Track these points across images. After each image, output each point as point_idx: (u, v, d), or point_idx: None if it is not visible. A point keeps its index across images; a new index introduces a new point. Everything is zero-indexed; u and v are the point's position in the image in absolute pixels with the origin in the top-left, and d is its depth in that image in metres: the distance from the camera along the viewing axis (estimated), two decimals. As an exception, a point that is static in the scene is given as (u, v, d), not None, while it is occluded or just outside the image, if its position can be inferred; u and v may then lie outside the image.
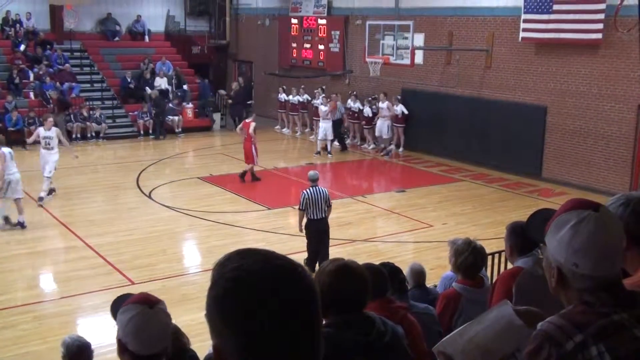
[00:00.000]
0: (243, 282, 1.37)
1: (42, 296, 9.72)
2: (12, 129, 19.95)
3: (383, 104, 19.39)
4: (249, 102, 24.37)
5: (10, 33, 23.71)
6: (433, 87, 19.11)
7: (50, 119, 14.36)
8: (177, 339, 5.62)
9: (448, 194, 15.36)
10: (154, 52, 25.34)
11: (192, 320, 7.89)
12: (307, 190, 9.87)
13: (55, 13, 24.53)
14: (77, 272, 10.33)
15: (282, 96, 23.23)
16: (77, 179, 16.13)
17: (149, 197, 14.79)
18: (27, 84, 22.05)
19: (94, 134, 21.31)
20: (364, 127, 20.65)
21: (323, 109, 19.75)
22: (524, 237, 4.42)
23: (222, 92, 25.11)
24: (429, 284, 6.25)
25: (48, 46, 23.65)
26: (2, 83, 21.71)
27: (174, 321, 5.90)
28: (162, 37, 27.07)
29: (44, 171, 13.90)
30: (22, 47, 23.13)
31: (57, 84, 22.18)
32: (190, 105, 23.62)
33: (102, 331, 7.53)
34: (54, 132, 14.09)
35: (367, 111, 20.21)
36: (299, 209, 9.99)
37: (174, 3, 27.43)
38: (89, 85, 23.44)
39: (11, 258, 10.86)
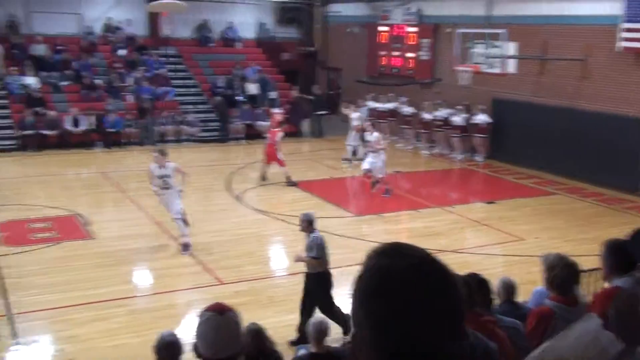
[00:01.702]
0: (391, 278, 1.36)
1: (135, 291, 10.12)
2: (110, 130, 20.89)
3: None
4: (322, 113, 24.35)
5: (111, 39, 24.84)
6: (525, 97, 18.66)
7: (156, 154, 11.68)
8: (261, 340, 5.75)
9: (540, 207, 14.95)
10: (245, 58, 25.92)
11: (278, 323, 8.05)
12: (318, 234, 8.23)
13: (153, 20, 25.50)
14: (169, 269, 10.70)
15: (371, 103, 23.26)
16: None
17: (239, 199, 15.13)
18: (125, 88, 23.01)
19: (186, 137, 22.02)
20: (454, 135, 20.32)
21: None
22: (623, 255, 4.28)
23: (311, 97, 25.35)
24: (518, 299, 6.13)
25: (145, 51, 24.61)
26: (103, 86, 22.73)
27: (260, 322, 6.03)
28: (253, 43, 27.66)
29: (171, 212, 11.74)
30: (123, 53, 24.17)
31: (153, 87, 23.08)
32: (280, 110, 23.98)
33: (190, 329, 7.76)
34: (170, 168, 11.55)
35: (459, 120, 19.91)
36: (314, 257, 8.09)
37: (265, 11, 27.97)
38: (183, 89, 24.23)
39: (108, 254, 11.34)
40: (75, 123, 20.64)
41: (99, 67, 23.66)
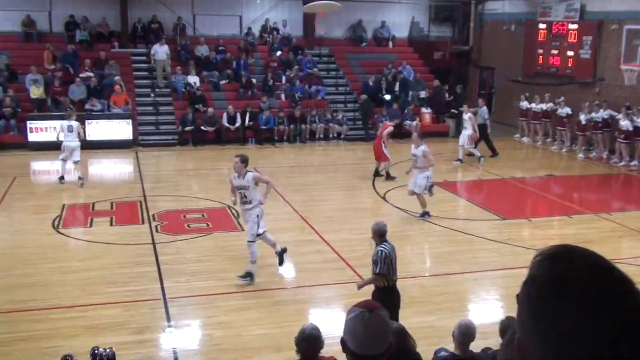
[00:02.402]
0: (564, 284, 1.29)
1: (280, 284, 10.41)
2: (264, 127, 21.68)
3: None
4: (453, 112, 23.63)
5: (268, 39, 25.78)
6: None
7: (237, 160, 10.07)
8: (404, 339, 5.67)
9: None
10: (396, 57, 25.88)
11: (418, 323, 7.94)
12: (385, 246, 7.53)
13: (308, 21, 26.13)
14: (312, 264, 10.91)
15: (524, 104, 22.39)
16: (317, 176, 17.03)
17: (384, 198, 15.13)
18: (279, 86, 23.79)
19: (335, 135, 22.36)
20: (621, 140, 18.92)
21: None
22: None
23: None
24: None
25: (300, 51, 25.28)
26: (258, 85, 23.64)
27: (401, 322, 5.96)
28: (405, 42, 27.56)
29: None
30: (279, 53, 25.00)
31: (306, 86, 23.67)
32: (429, 110, 23.73)
33: (331, 323, 7.85)
34: (249, 179, 9.92)
35: (626, 124, 18.43)
36: (379, 273, 7.43)
37: (419, 9, 27.77)
38: (334, 88, 24.63)
39: (269, 246, 11.74)
40: (232, 120, 21.62)
41: (256, 67, 24.65)
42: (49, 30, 24.47)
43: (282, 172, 17.37)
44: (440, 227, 12.87)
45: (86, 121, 20.26)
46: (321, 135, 22.14)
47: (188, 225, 12.86)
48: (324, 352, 4.97)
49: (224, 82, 23.70)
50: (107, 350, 4.70)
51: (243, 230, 12.54)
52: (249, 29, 25.84)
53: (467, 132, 18.79)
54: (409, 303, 9.19)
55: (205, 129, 21.35)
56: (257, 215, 10.01)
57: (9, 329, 8.33)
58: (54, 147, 18.19)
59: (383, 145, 16.44)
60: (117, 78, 21.99)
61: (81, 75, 22.15)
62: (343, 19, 26.17)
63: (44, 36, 24.01)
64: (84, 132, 17.21)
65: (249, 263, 10.02)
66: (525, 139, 22.63)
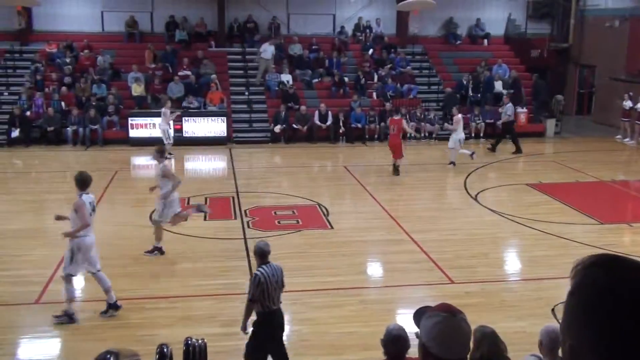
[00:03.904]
0: (616, 291, 1.34)
1: (368, 282, 10.41)
2: (354, 125, 21.72)
3: None
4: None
5: (361, 38, 25.80)
6: None
7: (154, 152, 11.08)
8: (495, 343, 5.55)
9: None
10: (492, 55, 25.31)
11: (509, 328, 7.73)
12: (261, 269, 6.82)
13: (402, 18, 25.95)
14: (401, 264, 10.84)
15: (628, 103, 21.40)
16: (407, 176, 16.89)
17: (475, 199, 14.84)
18: (371, 85, 23.76)
19: (427, 134, 22.12)
20: None
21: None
22: None
23: (560, 97, 23.98)
24: None
25: (392, 50, 25.15)
26: (350, 83, 23.70)
27: (493, 326, 5.84)
28: (501, 40, 26.90)
29: None
30: (371, 51, 24.97)
31: (398, 85, 23.53)
32: (524, 110, 23.07)
33: (420, 325, 7.77)
34: (159, 170, 10.95)
35: None
36: (250, 298, 6.78)
37: (515, 6, 27.05)
38: (426, 87, 24.36)
39: (345, 244, 11.81)
40: (323, 118, 21.77)
41: (348, 65, 24.72)
42: (150, 30, 25.45)
43: (372, 170, 17.36)
44: (534, 230, 12.49)
45: (183, 118, 20.98)
46: (412, 135, 21.94)
47: (278, 222, 13.06)
48: (410, 352, 4.94)
49: (316, 80, 23.90)
50: (200, 341, 4.85)
51: (333, 228, 12.66)
52: (342, 27, 25.95)
53: (458, 135, 17.92)
54: (498, 307, 9.00)
55: (297, 127, 21.61)
56: (161, 204, 10.80)
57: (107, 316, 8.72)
58: (152, 142, 18.93)
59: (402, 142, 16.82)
60: (213, 76, 22.61)
61: (179, 73, 22.91)
62: (437, 16, 25.82)
63: (146, 36, 25.00)
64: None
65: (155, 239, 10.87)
66: (627, 140, 21.63)
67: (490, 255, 11.35)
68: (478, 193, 15.24)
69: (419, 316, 2.92)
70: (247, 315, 6.84)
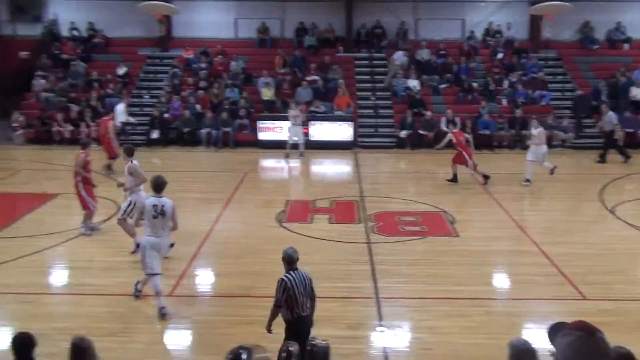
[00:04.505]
0: None
1: (494, 293, 10.12)
2: (483, 132, 21.23)
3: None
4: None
5: (490, 43, 25.19)
6: None
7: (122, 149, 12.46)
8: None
9: None
10: (633, 60, 23.92)
11: (647, 351, 7.25)
12: (288, 274, 6.82)
13: (534, 23, 25.09)
14: (529, 276, 10.45)
15: None
16: (536, 184, 16.28)
17: (612, 212, 14.06)
18: (500, 91, 23.14)
19: (560, 142, 21.23)
20: None
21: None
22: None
23: None
24: None
25: (524, 55, 24.37)
26: (478, 89, 23.20)
27: (629, 348, 5.51)
28: (643, 44, 25.40)
29: None
30: (500, 56, 24.33)
31: (529, 91, 22.77)
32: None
33: (546, 342, 7.47)
34: (125, 167, 11.62)
35: None
36: (275, 304, 6.81)
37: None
38: (559, 93, 23.40)
39: (470, 253, 11.56)
40: (450, 124, 21.43)
41: (477, 71, 24.23)
42: (280, 36, 26.15)
43: (499, 178, 16.89)
44: (678, 248, 11.66)
45: (310, 122, 21.37)
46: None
47: (402, 228, 12.99)
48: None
49: (444, 86, 23.60)
50: (323, 343, 4.91)
51: (458, 236, 12.43)
52: (472, 32, 25.47)
53: (541, 149, 16.38)
54: (635, 328, 8.48)
55: (423, 133, 21.41)
56: (129, 201, 11.16)
57: (235, 312, 9.02)
58: (280, 146, 19.45)
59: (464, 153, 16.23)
60: (340, 81, 22.87)
61: (307, 78, 23.37)
62: (572, 19, 24.75)
63: (276, 42, 25.72)
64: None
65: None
66: None
67: (628, 272, 10.70)
68: (615, 205, 14.42)
69: (554, 332, 2.79)
70: (272, 318, 6.87)
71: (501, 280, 10.88)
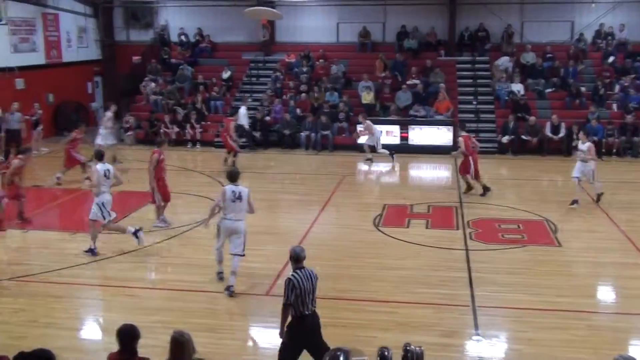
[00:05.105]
0: None
1: (598, 307, 9.68)
2: (590, 138, 20.35)
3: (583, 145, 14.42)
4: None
5: (601, 45, 24.13)
6: None
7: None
8: None
9: None
10: None
11: None
12: (295, 273, 6.79)
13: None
14: (636, 290, 9.94)
15: None
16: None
17: None
18: (611, 96, 22.13)
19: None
20: None
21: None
22: None
23: None
24: None
25: (638, 57, 23.18)
26: (587, 93, 22.28)
27: None
28: None
29: None
30: (611, 59, 23.26)
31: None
32: None
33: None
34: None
35: None
36: (284, 302, 6.79)
37: None
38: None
39: (573, 264, 11.12)
40: (555, 130, 20.73)
41: (586, 75, 23.29)
42: (381, 40, 26.12)
43: (608, 187, 16.11)
44: None
45: (409, 126, 21.21)
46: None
47: (502, 235, 12.66)
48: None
49: (549, 90, 22.83)
50: (418, 349, 4.85)
51: (561, 245, 12.00)
52: (581, 34, 24.50)
53: (590, 166, 14.43)
54: None
55: (527, 138, 20.80)
56: (97, 204, 11.44)
57: (330, 314, 9.03)
58: (373, 150, 19.44)
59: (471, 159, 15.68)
60: (441, 85, 22.58)
61: (408, 82, 23.21)
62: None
63: (377, 46, 25.72)
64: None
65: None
66: None
67: None
68: None
69: None
70: (284, 319, 6.85)
71: (606, 293, 10.40)
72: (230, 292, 9.64)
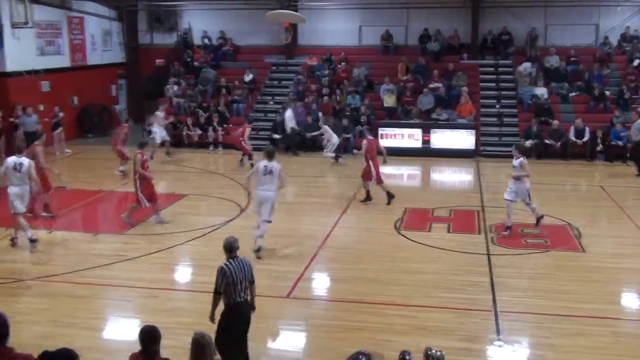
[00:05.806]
0: None
1: (623, 313, 9.54)
2: (615, 143, 20.19)
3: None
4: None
5: (627, 48, 23.85)
6: None
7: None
8: None
9: None
10: None
11: None
12: (227, 262, 7.09)
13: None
14: (663, 297, 9.81)
15: None
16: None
17: None
18: (636, 100, 21.87)
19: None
20: None
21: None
22: None
23: None
24: None
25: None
26: (612, 97, 22.04)
27: None
28: None
29: None
30: (637, 63, 22.99)
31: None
32: None
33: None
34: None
35: None
36: (214, 290, 7.08)
37: None
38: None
39: (597, 269, 10.99)
40: (579, 134, 20.53)
41: (611, 79, 23.05)
42: (404, 43, 26.06)
43: (632, 192, 15.97)
44: None
45: (431, 130, 21.13)
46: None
47: (525, 240, 12.55)
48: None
49: (573, 94, 22.61)
50: (438, 353, 4.83)
51: (585, 251, 11.86)
52: (606, 37, 24.25)
53: (524, 184, 12.78)
54: None
55: (550, 143, 20.62)
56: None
57: (349, 317, 9.06)
58: (400, 153, 19.38)
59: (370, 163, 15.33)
60: (463, 88, 22.46)
61: (430, 85, 23.12)
62: None
63: (399, 49, 25.68)
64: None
65: None
66: None
67: None
68: None
69: None
70: (214, 306, 7.15)
71: (631, 300, 10.25)
72: (260, 254, 11.14)
